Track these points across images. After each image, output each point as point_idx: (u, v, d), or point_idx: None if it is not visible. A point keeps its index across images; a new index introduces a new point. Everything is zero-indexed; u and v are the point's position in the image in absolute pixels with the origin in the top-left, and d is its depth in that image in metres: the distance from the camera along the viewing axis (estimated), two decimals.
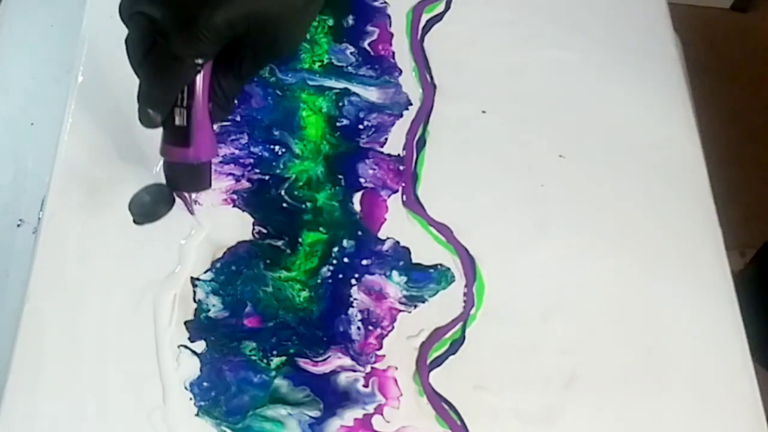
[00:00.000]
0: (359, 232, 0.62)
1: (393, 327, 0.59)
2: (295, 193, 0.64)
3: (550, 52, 0.73)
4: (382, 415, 0.55)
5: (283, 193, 0.63)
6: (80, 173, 0.62)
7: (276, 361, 0.57)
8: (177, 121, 0.53)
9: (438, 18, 0.74)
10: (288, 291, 0.59)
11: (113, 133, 0.63)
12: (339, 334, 0.58)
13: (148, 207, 0.56)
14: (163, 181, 0.57)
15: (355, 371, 0.57)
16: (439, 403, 0.56)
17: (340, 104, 0.68)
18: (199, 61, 0.51)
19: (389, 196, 0.64)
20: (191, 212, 0.60)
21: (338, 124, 0.67)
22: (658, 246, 0.64)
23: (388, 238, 0.62)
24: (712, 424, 0.58)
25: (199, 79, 0.52)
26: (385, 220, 0.63)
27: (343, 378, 0.57)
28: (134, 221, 0.56)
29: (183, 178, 0.56)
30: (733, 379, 0.59)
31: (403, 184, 0.65)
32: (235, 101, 0.56)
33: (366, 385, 0.56)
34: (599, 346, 0.60)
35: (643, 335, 0.60)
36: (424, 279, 0.61)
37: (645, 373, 0.59)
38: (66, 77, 0.67)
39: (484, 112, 0.70)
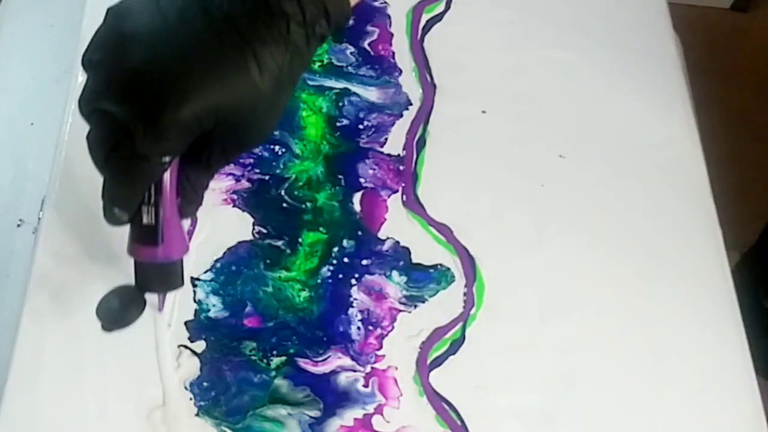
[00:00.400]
0: (359, 232, 0.62)
1: (393, 327, 0.59)
2: (295, 193, 0.64)
3: (550, 52, 0.73)
4: (382, 415, 0.55)
5: (283, 193, 0.63)
6: (80, 173, 0.62)
7: (276, 361, 0.57)
8: (145, 220, 0.50)
9: (438, 18, 0.74)
10: (288, 291, 0.59)
11: None
12: (339, 334, 0.58)
13: (117, 313, 0.52)
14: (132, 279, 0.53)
15: (355, 371, 0.57)
16: (439, 403, 0.56)
17: (340, 104, 0.68)
18: (166, 158, 0.47)
19: (389, 196, 0.64)
20: (160, 310, 0.57)
21: (338, 124, 0.67)
22: (658, 246, 0.64)
23: (388, 238, 0.62)
24: (712, 423, 0.58)
25: (167, 175, 0.49)
26: (385, 220, 0.63)
27: (343, 378, 0.56)
28: (103, 328, 0.53)
29: (153, 279, 0.53)
30: (732, 378, 0.59)
31: (403, 184, 0.65)
32: (204, 193, 0.53)
33: (366, 385, 0.56)
34: (599, 346, 0.60)
35: (643, 335, 0.60)
36: (424, 279, 0.61)
37: (644, 374, 0.59)
38: (66, 77, 0.67)
39: (484, 112, 0.70)
